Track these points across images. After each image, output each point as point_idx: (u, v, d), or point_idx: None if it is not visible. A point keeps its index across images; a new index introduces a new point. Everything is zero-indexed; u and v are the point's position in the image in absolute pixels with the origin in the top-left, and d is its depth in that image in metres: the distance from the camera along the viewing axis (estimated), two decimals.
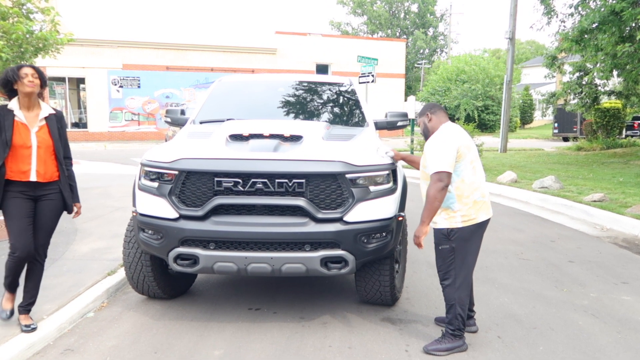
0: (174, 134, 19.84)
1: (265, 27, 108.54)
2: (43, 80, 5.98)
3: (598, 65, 23.84)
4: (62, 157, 6.14)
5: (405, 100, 42.79)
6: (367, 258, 6.16)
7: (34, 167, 5.88)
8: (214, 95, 8.82)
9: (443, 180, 5.53)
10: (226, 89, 9.12)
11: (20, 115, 5.85)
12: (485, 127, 55.63)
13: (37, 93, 5.98)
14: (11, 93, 5.97)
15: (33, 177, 5.88)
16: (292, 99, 8.83)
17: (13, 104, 5.89)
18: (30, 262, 6.09)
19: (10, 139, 5.75)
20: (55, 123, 6.10)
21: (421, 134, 6.15)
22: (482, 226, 5.87)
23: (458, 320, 5.83)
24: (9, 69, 5.87)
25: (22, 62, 6.33)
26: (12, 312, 6.24)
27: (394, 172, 6.42)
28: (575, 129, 45.29)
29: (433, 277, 8.14)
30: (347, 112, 8.70)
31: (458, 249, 5.76)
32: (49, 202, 6.07)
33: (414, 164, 6.67)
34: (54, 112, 6.16)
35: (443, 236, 5.79)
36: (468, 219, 5.74)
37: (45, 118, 6.03)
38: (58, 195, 6.13)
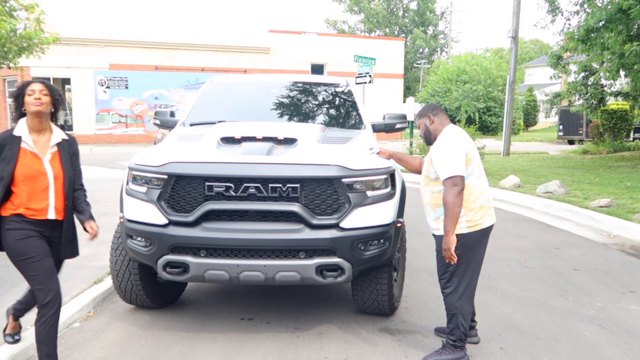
0: (163, 136, 19.81)
1: (258, 26, 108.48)
2: (55, 99, 5.29)
3: (604, 65, 23.90)
4: (72, 189, 5.44)
5: (404, 101, 42.94)
6: (365, 266, 6.16)
7: (52, 202, 5.22)
8: (204, 97, 8.82)
9: (458, 184, 5.54)
10: (217, 90, 9.12)
11: (29, 141, 5.17)
12: (487, 129, 55.69)
13: (50, 113, 5.35)
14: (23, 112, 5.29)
15: (51, 215, 5.23)
16: (286, 100, 8.84)
17: (21, 128, 5.21)
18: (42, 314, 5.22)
19: (10, 172, 5.05)
20: (67, 150, 5.42)
21: (421, 137, 6.13)
22: (486, 233, 5.87)
23: (460, 330, 5.83)
24: (21, 83, 5.28)
25: (35, 79, 5.50)
26: None
27: (392, 176, 6.42)
28: (581, 132, 45.38)
29: (433, 286, 8.15)
30: (344, 114, 8.71)
31: (462, 256, 5.74)
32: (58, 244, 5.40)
33: (403, 162, 6.60)
34: (66, 137, 5.46)
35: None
36: (473, 224, 5.74)
37: (57, 144, 5.35)
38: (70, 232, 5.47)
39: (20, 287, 6.52)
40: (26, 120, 5.25)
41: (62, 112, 5.60)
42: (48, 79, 41.20)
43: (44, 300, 5.15)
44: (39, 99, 5.15)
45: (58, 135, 5.39)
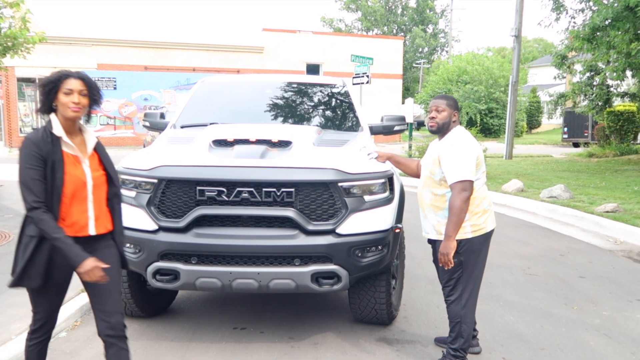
0: (152, 139, 19.85)
1: (251, 24, 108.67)
2: (93, 99, 4.59)
3: (610, 64, 23.93)
4: (117, 193, 4.82)
5: (403, 102, 42.87)
6: (362, 273, 6.16)
7: (92, 214, 4.56)
8: (196, 98, 8.82)
9: (467, 189, 5.55)
10: (209, 91, 9.12)
11: (69, 142, 4.48)
12: (489, 132, 55.73)
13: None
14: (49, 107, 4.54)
15: (92, 230, 4.58)
16: (280, 102, 8.84)
17: (58, 126, 4.47)
18: (110, 345, 4.69)
19: (62, 181, 4.37)
20: (103, 152, 4.81)
21: (432, 124, 6.00)
22: (488, 237, 5.89)
23: (462, 339, 5.83)
24: (53, 75, 4.47)
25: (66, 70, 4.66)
26: None
27: (390, 181, 6.42)
28: (586, 134, 45.38)
29: (433, 294, 8.16)
30: (340, 115, 8.72)
31: (466, 262, 5.76)
32: (107, 252, 4.71)
33: (400, 165, 6.61)
34: (97, 136, 4.86)
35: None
36: (478, 228, 5.76)
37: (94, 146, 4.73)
38: (112, 243, 4.80)
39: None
40: (57, 116, 4.51)
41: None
42: (33, 79, 41.24)
43: (34, 328, 4.78)
44: (78, 103, 4.42)
45: (91, 135, 4.77)
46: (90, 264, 4.26)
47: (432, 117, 5.91)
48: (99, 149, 4.73)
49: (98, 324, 4.67)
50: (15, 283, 4.47)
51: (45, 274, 4.44)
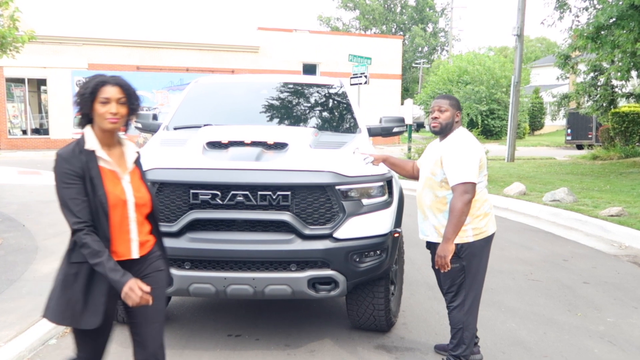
0: (145, 141, 19.84)
1: (246, 23, 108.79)
2: (132, 107, 4.26)
3: (615, 64, 23.94)
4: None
5: (402, 103, 42.91)
6: (360, 279, 6.17)
7: (135, 236, 4.23)
8: (189, 99, 8.81)
9: (469, 192, 5.56)
10: (203, 92, 9.11)
11: (105, 157, 4.14)
12: (490, 133, 55.68)
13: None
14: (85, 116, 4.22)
15: (135, 253, 4.25)
16: (276, 103, 8.84)
17: (92, 140, 4.14)
18: None
19: (105, 197, 4.03)
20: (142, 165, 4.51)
21: (435, 126, 5.96)
22: (490, 240, 5.90)
23: (464, 346, 5.84)
24: (88, 84, 4.18)
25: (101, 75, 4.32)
26: None
27: (389, 184, 6.44)
28: (590, 136, 45.40)
29: (432, 300, 8.17)
30: (337, 117, 8.73)
31: (469, 267, 5.77)
32: (152, 275, 4.42)
33: (396, 167, 6.59)
34: (137, 149, 4.50)
35: (453, 254, 5.77)
36: (479, 232, 5.77)
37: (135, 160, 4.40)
38: (161, 262, 4.54)
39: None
40: (93, 129, 4.18)
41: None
42: (23, 79, 41.24)
43: None
44: (116, 114, 4.08)
45: (131, 147, 4.40)
46: (133, 285, 3.91)
47: (435, 118, 5.90)
48: (140, 163, 4.43)
49: (134, 352, 4.42)
50: (63, 321, 4.21)
51: (105, 310, 4.12)
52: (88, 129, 4.16)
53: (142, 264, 4.33)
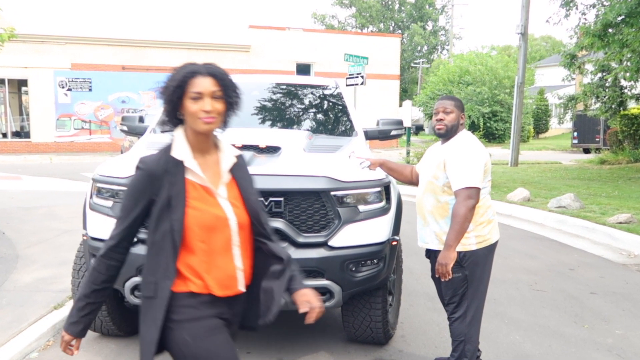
0: (131, 144, 19.83)
1: (237, 21, 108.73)
2: (230, 102, 3.59)
3: (623, 64, 23.97)
4: (264, 233, 3.75)
5: (400, 105, 42.94)
6: (356, 289, 6.16)
7: (239, 264, 3.61)
8: None
9: (473, 197, 5.54)
10: None
11: (196, 169, 3.53)
12: (493, 136, 55.71)
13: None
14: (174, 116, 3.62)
15: (242, 286, 3.65)
16: (268, 104, 8.84)
17: (182, 147, 3.57)
18: None
19: (181, 220, 3.45)
20: (244, 173, 3.84)
21: (440, 128, 5.92)
22: (493, 249, 5.89)
23: (466, 359, 5.84)
24: (175, 75, 3.53)
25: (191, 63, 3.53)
26: None
27: (386, 189, 6.43)
28: (597, 139, 45.45)
29: (432, 311, 8.17)
30: (333, 119, 8.73)
31: (471, 276, 5.76)
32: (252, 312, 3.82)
33: (393, 172, 6.58)
34: (238, 152, 3.83)
35: (455, 262, 5.74)
36: (482, 239, 5.76)
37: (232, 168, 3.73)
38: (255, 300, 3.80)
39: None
40: (184, 131, 3.61)
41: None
42: (2, 80, 41.18)
43: None
44: (210, 111, 3.46)
45: (229, 152, 3.75)
46: (63, 336, 3.58)
47: (440, 119, 5.86)
48: (239, 175, 3.76)
49: None
50: None
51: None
52: (179, 133, 3.60)
53: (241, 300, 3.71)
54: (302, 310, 3.68)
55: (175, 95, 3.46)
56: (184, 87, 3.44)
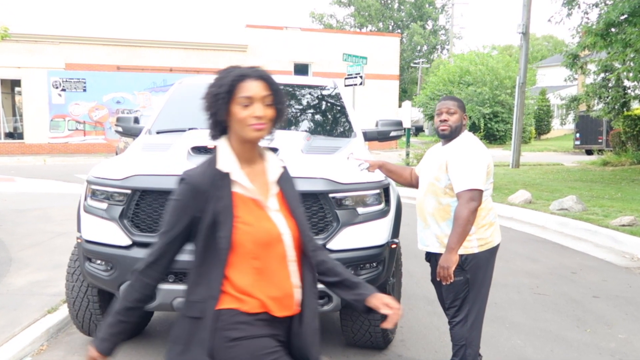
0: (125, 146, 19.80)
1: (234, 20, 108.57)
2: (280, 109, 3.46)
3: (626, 64, 23.96)
4: (310, 248, 3.55)
5: (400, 105, 42.91)
6: None
7: (295, 281, 3.43)
8: (173, 100, 8.80)
9: (476, 199, 5.54)
10: (187, 93, 9.06)
11: (244, 181, 3.36)
12: (494, 138, 55.68)
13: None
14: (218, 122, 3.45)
15: (298, 305, 3.44)
16: None
17: (228, 158, 3.41)
18: None
19: (229, 237, 3.25)
20: (290, 185, 3.68)
21: (444, 129, 5.88)
22: (495, 252, 5.90)
23: None
24: (223, 78, 3.43)
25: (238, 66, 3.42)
26: None
27: (386, 191, 6.43)
28: (600, 140, 45.45)
29: (432, 315, 8.16)
30: (331, 120, 8.73)
31: (473, 280, 5.76)
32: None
33: (392, 174, 6.56)
34: (282, 163, 3.70)
35: (457, 265, 5.72)
36: (484, 242, 5.76)
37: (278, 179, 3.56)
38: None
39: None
40: (228, 141, 3.46)
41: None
42: None
43: None
44: (261, 117, 3.31)
45: (274, 162, 3.60)
46: (89, 353, 3.37)
47: (444, 120, 5.85)
48: (285, 187, 3.59)
49: None
50: None
51: None
52: (223, 143, 3.44)
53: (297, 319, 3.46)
54: (384, 312, 3.53)
55: (224, 102, 3.31)
56: (233, 91, 3.29)
